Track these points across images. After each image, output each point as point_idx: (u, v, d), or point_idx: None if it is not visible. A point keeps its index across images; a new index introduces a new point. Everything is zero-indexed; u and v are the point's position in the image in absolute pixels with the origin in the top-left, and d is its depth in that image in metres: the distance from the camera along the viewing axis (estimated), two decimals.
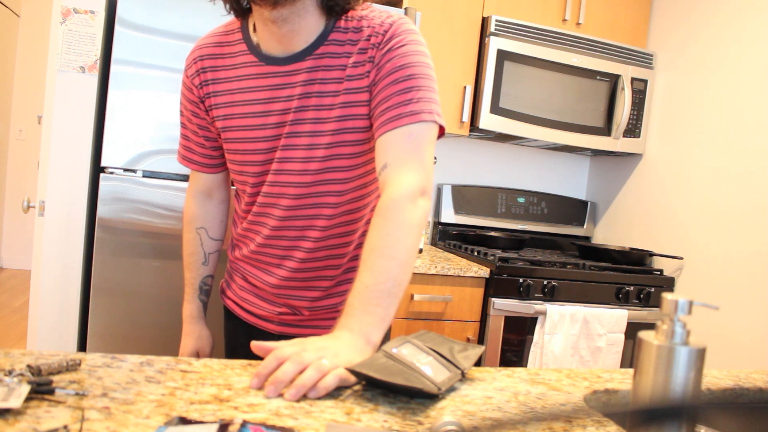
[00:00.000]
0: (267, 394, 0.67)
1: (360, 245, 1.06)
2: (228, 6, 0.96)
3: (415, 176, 0.88)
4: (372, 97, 0.93)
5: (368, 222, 1.05)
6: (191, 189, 1.18)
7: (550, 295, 2.03)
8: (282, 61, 0.94)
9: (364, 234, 1.05)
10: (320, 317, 1.10)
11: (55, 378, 0.66)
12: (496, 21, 2.22)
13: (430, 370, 0.75)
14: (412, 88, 0.90)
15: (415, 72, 0.91)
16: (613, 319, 2.03)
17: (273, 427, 0.59)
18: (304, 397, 0.68)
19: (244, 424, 0.58)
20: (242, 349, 1.13)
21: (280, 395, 0.68)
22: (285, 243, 1.04)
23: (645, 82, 2.42)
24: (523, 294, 2.01)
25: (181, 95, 1.07)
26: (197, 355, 1.18)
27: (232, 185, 1.17)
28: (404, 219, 0.85)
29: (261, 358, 0.79)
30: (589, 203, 2.74)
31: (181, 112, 1.09)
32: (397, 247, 0.84)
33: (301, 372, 0.69)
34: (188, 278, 1.20)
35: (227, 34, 1.00)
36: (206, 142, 1.09)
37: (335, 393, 0.72)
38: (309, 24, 0.92)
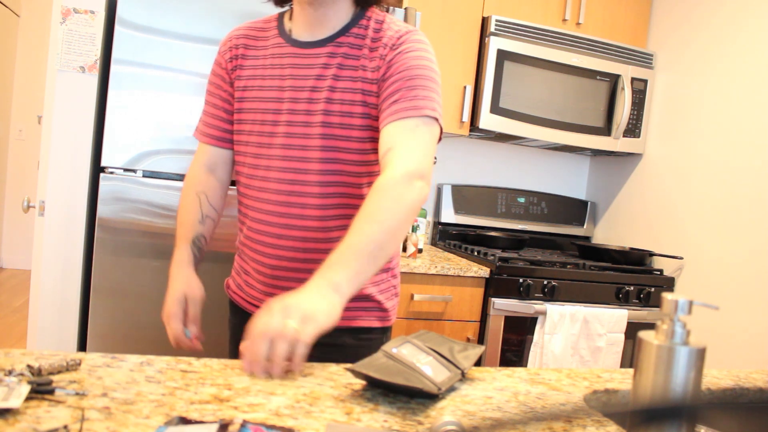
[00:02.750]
0: (258, 376, 0.73)
1: None
2: None
3: (416, 161, 0.92)
4: (380, 92, 1.00)
5: None
6: (195, 161, 1.19)
7: (550, 295, 2.03)
8: (306, 45, 1.04)
9: None
10: None
11: (55, 378, 0.66)
12: (496, 21, 2.22)
13: (430, 370, 0.75)
14: (418, 87, 0.97)
15: (424, 74, 0.99)
16: (613, 319, 2.03)
17: (273, 427, 0.59)
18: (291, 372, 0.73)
19: (244, 424, 0.58)
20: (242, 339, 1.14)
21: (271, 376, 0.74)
22: (282, 221, 1.05)
23: (645, 82, 2.42)
24: (523, 294, 2.01)
25: (210, 74, 1.16)
26: (185, 301, 1.07)
27: (233, 184, 1.18)
28: (398, 194, 0.89)
29: None
30: (589, 203, 2.74)
31: (207, 90, 1.16)
32: (386, 215, 0.88)
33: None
34: (181, 233, 1.15)
35: (264, 23, 1.12)
36: (224, 114, 1.14)
37: (335, 393, 0.72)
38: (340, 11, 1.03)
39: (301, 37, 1.05)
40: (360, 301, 1.10)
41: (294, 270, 1.07)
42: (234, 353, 1.20)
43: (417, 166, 0.92)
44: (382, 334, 1.14)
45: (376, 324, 1.12)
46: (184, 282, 1.09)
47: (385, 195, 0.89)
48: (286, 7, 1.12)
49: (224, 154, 1.17)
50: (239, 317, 1.18)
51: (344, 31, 1.03)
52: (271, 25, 1.10)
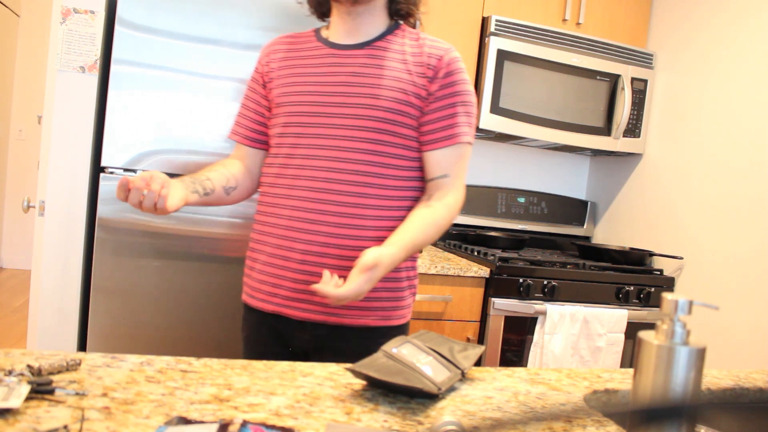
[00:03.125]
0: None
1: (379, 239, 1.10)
2: (312, 9, 1.20)
3: (463, 190, 1.16)
4: (430, 107, 1.11)
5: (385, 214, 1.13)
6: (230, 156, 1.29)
7: (550, 295, 2.03)
8: (344, 47, 1.14)
9: (386, 226, 1.11)
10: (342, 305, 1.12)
11: (55, 378, 0.66)
12: (496, 21, 2.21)
13: (430, 370, 0.75)
14: (469, 113, 1.13)
15: (470, 100, 1.14)
16: (613, 319, 2.03)
17: (273, 427, 0.59)
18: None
19: (244, 424, 0.58)
20: (261, 338, 1.20)
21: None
22: (318, 206, 1.10)
23: (645, 82, 2.42)
24: (523, 294, 2.01)
25: (249, 80, 1.26)
26: (150, 176, 1.02)
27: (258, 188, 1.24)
28: (452, 217, 1.12)
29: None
30: (589, 203, 2.74)
31: (244, 94, 1.26)
32: (441, 228, 1.10)
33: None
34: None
35: (300, 35, 1.21)
36: (255, 116, 1.23)
37: (335, 393, 0.72)
38: (375, 21, 1.13)
39: (339, 41, 1.15)
40: (394, 300, 1.16)
41: (325, 255, 1.09)
42: (249, 351, 1.22)
43: (464, 196, 1.16)
44: (403, 331, 1.21)
45: (403, 321, 1.20)
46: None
47: (449, 213, 1.11)
48: (326, 21, 1.22)
49: (253, 152, 1.25)
50: (254, 315, 1.20)
51: (380, 37, 1.13)
52: (309, 35, 1.20)
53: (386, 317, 1.15)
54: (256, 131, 1.23)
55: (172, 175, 1.68)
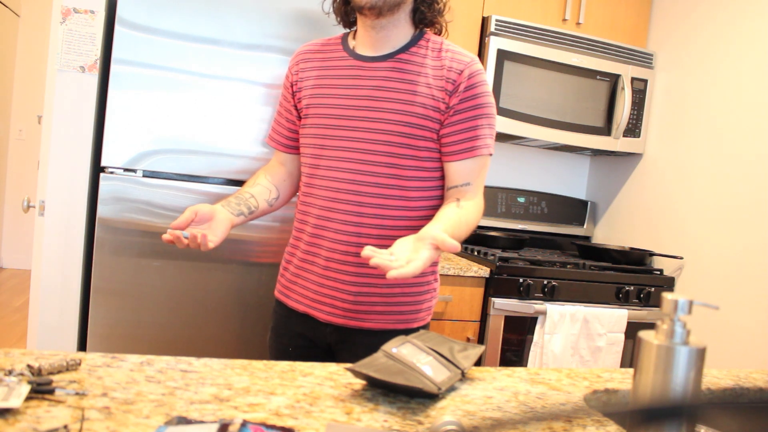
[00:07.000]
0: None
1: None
2: (339, 19, 1.22)
3: (483, 198, 1.20)
4: (450, 120, 1.13)
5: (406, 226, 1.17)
6: (272, 158, 1.37)
7: (550, 295, 2.03)
8: (368, 59, 1.16)
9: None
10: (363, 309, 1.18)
11: (55, 378, 0.66)
12: (496, 21, 2.21)
13: (430, 370, 0.75)
14: (492, 125, 1.17)
15: (491, 112, 1.16)
16: (613, 318, 2.03)
17: (273, 426, 0.59)
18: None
19: (244, 424, 0.58)
20: (287, 330, 1.26)
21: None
22: (334, 215, 1.16)
23: (645, 81, 2.42)
24: (523, 294, 2.01)
25: (282, 87, 1.30)
26: (196, 212, 1.07)
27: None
28: (478, 219, 1.15)
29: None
30: (589, 203, 2.74)
31: (279, 101, 1.31)
32: (466, 235, 1.12)
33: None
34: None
35: (328, 42, 1.24)
36: (286, 123, 1.28)
37: (335, 393, 0.72)
38: (399, 33, 1.15)
39: (364, 53, 1.17)
40: (415, 305, 1.21)
41: (346, 263, 1.15)
42: (275, 341, 1.28)
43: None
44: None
45: (422, 323, 1.23)
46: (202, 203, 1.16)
47: (477, 215, 1.14)
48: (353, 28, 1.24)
49: (290, 156, 1.31)
50: (284, 310, 1.26)
51: (404, 49, 1.15)
52: (335, 44, 1.22)
53: (407, 321, 1.20)
54: (291, 138, 1.28)
55: (172, 177, 1.70)
